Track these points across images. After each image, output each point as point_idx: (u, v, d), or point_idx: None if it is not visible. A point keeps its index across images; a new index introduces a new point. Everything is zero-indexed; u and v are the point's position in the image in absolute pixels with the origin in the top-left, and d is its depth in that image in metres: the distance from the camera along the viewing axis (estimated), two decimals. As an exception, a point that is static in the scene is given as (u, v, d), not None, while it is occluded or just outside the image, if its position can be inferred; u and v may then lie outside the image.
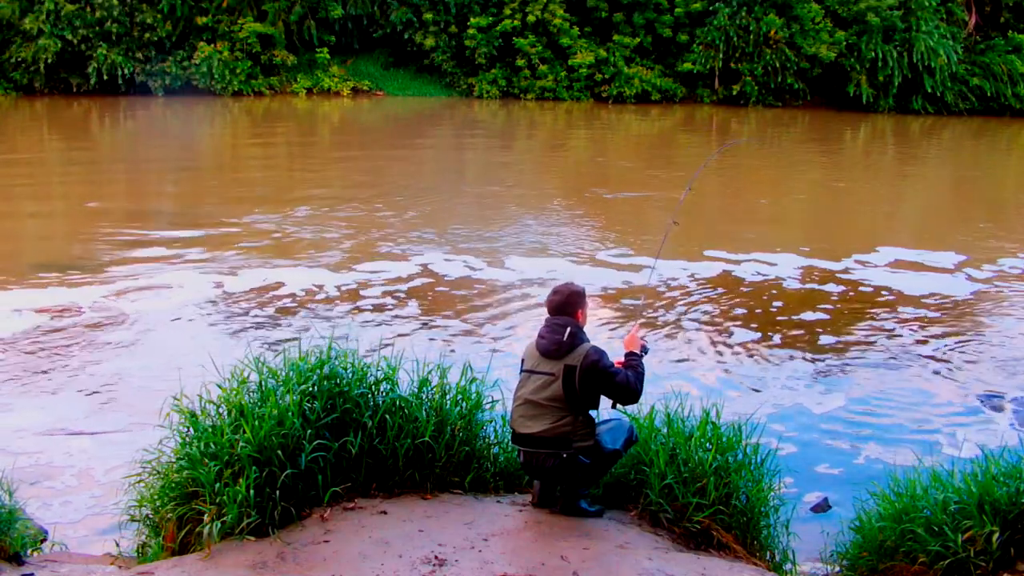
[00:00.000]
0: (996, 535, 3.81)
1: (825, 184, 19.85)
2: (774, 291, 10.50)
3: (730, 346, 8.56)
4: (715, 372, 7.90)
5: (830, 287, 10.74)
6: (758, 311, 9.74)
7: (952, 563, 3.85)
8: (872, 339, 8.89)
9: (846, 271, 11.48)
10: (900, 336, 9.00)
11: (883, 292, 10.61)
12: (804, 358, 8.27)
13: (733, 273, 11.18)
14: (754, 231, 14.22)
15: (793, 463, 6.10)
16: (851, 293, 10.54)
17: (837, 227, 15.33)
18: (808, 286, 10.79)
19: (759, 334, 8.95)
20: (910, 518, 4.04)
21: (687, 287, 10.47)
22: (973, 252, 12.72)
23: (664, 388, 7.11)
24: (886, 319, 9.59)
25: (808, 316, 9.58)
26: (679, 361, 8.16)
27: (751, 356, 8.30)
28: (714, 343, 8.64)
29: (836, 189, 19.20)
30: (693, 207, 15.63)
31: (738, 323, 9.26)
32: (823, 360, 8.24)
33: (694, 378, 7.71)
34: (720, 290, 10.45)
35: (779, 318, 9.53)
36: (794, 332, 9.05)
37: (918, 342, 8.83)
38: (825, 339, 8.85)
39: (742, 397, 7.26)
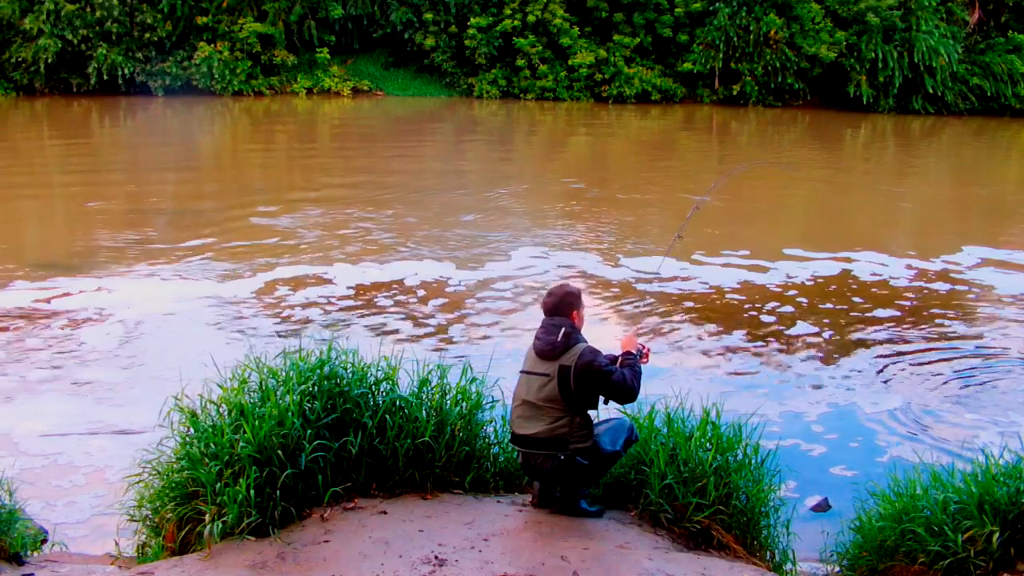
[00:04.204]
0: (996, 535, 3.81)
1: (854, 183, 19.84)
2: (835, 289, 10.49)
3: (785, 344, 8.55)
4: (769, 371, 7.91)
5: (901, 284, 10.76)
6: (817, 307, 9.74)
7: (952, 563, 3.85)
8: (941, 339, 8.79)
9: (923, 270, 11.45)
10: (975, 337, 8.88)
11: (969, 291, 10.59)
12: (864, 357, 8.21)
13: (787, 273, 11.15)
14: (812, 232, 14.18)
15: (809, 463, 6.09)
16: (923, 292, 10.51)
17: (914, 225, 15.38)
18: (881, 284, 10.76)
19: (816, 327, 8.98)
20: (910, 518, 4.04)
21: (726, 289, 10.42)
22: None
23: (717, 388, 7.20)
24: (959, 319, 9.53)
25: (879, 313, 9.56)
26: (727, 359, 8.15)
27: (807, 354, 8.29)
28: (769, 341, 8.64)
29: (871, 188, 19.20)
30: (716, 210, 15.61)
31: (797, 320, 9.25)
32: (883, 360, 8.17)
33: (746, 377, 7.73)
34: (776, 288, 10.44)
35: (852, 315, 9.51)
36: (853, 330, 9.00)
37: (995, 344, 8.69)
38: (886, 337, 8.79)
39: (799, 395, 7.29)
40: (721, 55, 34.54)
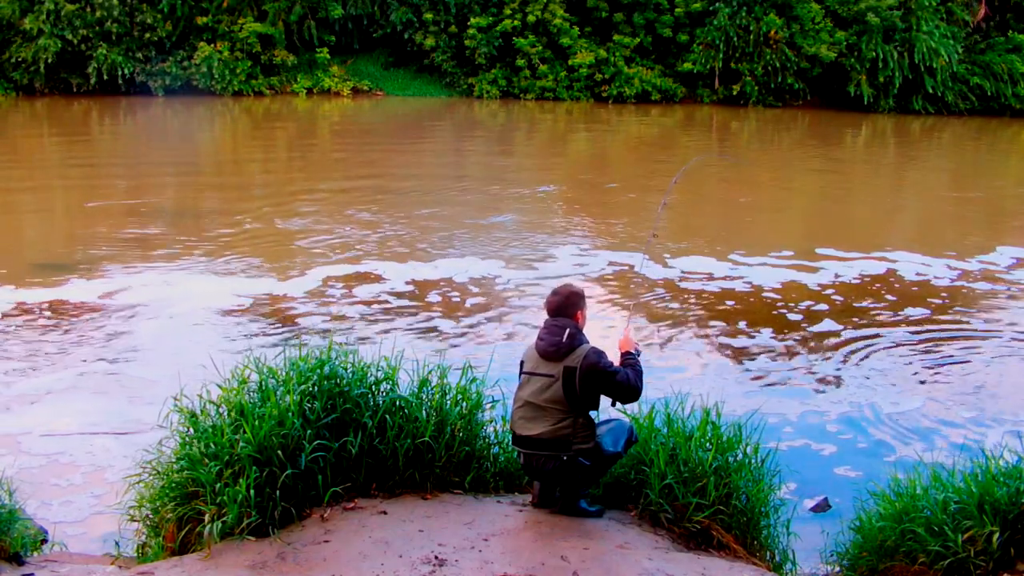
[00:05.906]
0: (996, 535, 3.81)
1: (863, 183, 19.81)
2: (873, 290, 10.46)
3: (812, 344, 8.54)
4: (794, 370, 7.91)
5: (942, 284, 10.76)
6: (851, 306, 9.73)
7: (952, 563, 3.85)
8: (968, 339, 8.77)
9: (965, 270, 11.43)
10: (998, 336, 8.86)
11: (1009, 291, 10.59)
12: (890, 357, 8.20)
13: (821, 272, 11.13)
14: (827, 232, 14.18)
15: (816, 463, 6.08)
16: (961, 291, 10.49)
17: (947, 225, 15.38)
18: (913, 283, 10.74)
19: (843, 326, 8.98)
20: (910, 518, 4.04)
21: (765, 288, 10.43)
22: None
23: (741, 387, 7.24)
24: (992, 320, 9.50)
25: (910, 313, 9.55)
26: (755, 358, 8.15)
27: (834, 354, 8.28)
28: (797, 340, 8.63)
29: (881, 188, 19.17)
30: (728, 211, 15.58)
31: (824, 319, 9.26)
32: (908, 359, 8.15)
33: (770, 375, 7.74)
34: (792, 287, 10.44)
35: (884, 315, 9.50)
36: (883, 330, 9.00)
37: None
38: (914, 336, 8.77)
39: (819, 394, 7.29)
40: (721, 55, 34.53)
